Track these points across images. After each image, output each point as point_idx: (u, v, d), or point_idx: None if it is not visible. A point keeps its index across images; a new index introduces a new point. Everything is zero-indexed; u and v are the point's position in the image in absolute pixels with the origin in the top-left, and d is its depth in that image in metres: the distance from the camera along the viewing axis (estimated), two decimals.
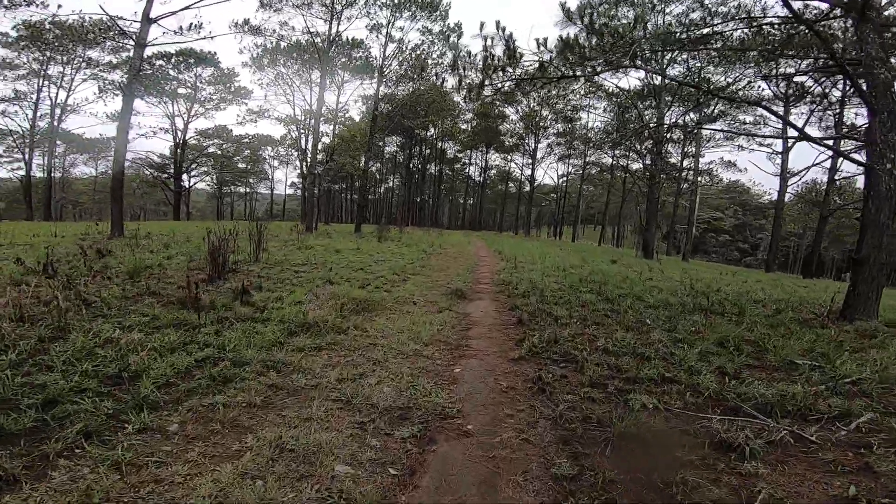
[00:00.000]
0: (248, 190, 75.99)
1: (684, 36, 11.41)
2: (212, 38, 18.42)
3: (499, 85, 7.17)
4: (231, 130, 47.05)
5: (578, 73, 8.43)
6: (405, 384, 3.67)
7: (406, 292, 7.38)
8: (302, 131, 26.69)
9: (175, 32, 18.05)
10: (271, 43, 23.45)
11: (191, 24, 18.64)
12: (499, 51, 6.82)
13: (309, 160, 20.00)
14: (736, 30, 16.87)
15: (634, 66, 9.07)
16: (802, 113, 28.11)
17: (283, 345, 4.38)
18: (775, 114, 9.46)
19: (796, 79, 25.45)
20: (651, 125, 22.79)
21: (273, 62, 30.64)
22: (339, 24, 20.65)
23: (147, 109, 38.35)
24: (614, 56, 9.02)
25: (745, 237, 77.12)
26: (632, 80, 52.16)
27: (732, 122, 31.41)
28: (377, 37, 22.19)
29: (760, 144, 29.80)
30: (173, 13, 15.86)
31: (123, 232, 14.43)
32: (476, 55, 7.47)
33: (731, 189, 66.38)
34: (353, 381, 3.68)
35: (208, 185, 66.78)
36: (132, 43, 16.14)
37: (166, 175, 40.69)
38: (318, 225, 22.97)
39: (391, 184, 70.64)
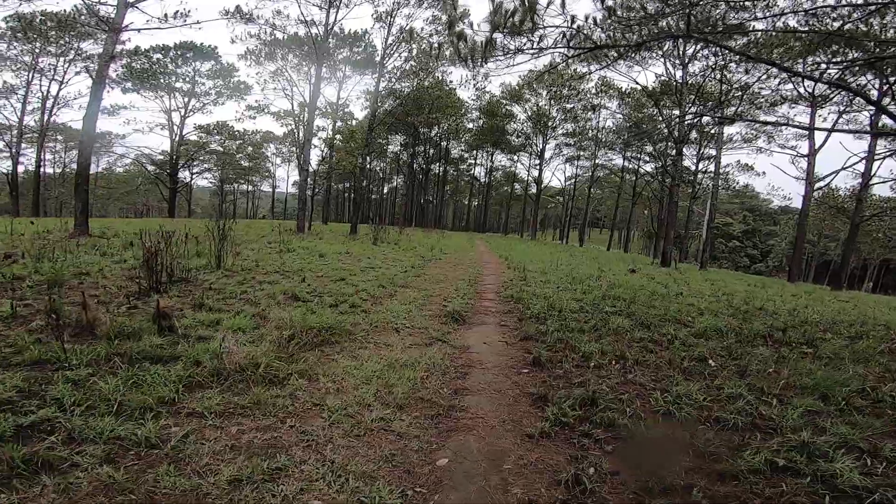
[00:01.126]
0: (250, 188, 74.89)
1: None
2: (199, 26, 16.98)
3: (513, 47, 5.56)
4: (232, 127, 45.68)
5: (612, 47, 6.82)
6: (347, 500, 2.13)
7: (389, 314, 5.83)
8: (301, 126, 25.18)
9: (159, 20, 16.70)
10: (265, 32, 22.04)
11: (176, 11, 17.22)
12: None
13: (302, 156, 18.54)
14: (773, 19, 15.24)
15: (662, 50, 7.50)
16: (830, 113, 26.41)
17: (174, 404, 2.85)
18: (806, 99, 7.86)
19: (826, 76, 23.76)
20: (673, 122, 21.16)
21: (271, 56, 29.29)
22: (337, 12, 19.18)
23: (143, 104, 37.20)
24: (648, 33, 7.49)
25: (754, 243, 75.13)
26: (649, 75, 50.26)
27: (752, 124, 29.74)
28: (381, 27, 20.74)
29: (783, 147, 28.06)
30: None
31: (89, 230, 13.01)
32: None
33: (740, 194, 64.57)
34: (256, 487, 2.14)
35: (210, 182, 65.66)
36: (106, 28, 14.79)
37: (161, 171, 39.42)
38: (311, 225, 21.50)
39: (395, 184, 69.27)
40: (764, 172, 37.91)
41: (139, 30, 24.96)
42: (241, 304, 5.52)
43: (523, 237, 47.99)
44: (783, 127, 28.54)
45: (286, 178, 69.08)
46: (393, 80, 26.48)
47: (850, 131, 26.90)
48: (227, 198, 74.34)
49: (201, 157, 52.88)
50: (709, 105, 21.36)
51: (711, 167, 34.29)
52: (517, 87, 40.03)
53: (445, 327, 5.56)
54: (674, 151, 22.11)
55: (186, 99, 38.19)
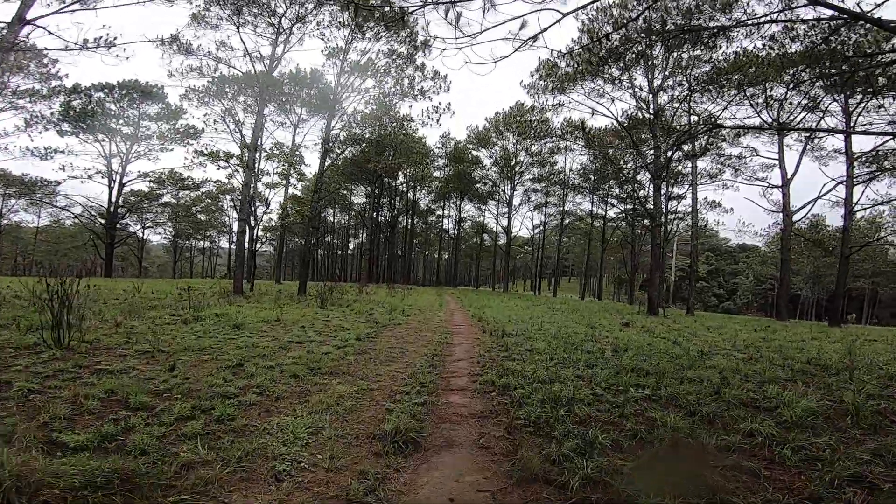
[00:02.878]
0: (207, 244, 70.61)
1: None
2: (125, 54, 14.76)
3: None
4: (182, 175, 42.41)
5: None
6: None
7: (277, 438, 3.29)
8: (241, 169, 22.81)
9: (80, 47, 14.53)
10: (208, 67, 20.00)
11: (99, 37, 15.07)
12: None
13: (240, 205, 16.09)
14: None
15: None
16: (795, 141, 26.27)
17: None
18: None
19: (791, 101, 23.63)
20: (648, 156, 20.09)
21: (219, 94, 27.34)
22: (286, 45, 17.53)
23: (81, 148, 33.87)
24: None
25: (719, 282, 76.01)
26: (615, 110, 51.47)
27: (717, 157, 29.46)
28: (333, 64, 19.20)
29: (751, 179, 27.63)
30: (56, 12, 12.32)
31: None
32: None
33: (701, 234, 65.83)
34: None
35: (163, 237, 61.32)
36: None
37: (93, 222, 35.69)
38: (253, 285, 18.62)
39: (361, 238, 66.97)
40: (732, 209, 37.50)
41: (43, 50, 22.49)
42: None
43: (495, 290, 45.97)
44: (749, 159, 28.29)
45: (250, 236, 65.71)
46: (354, 123, 24.88)
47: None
48: (182, 254, 69.84)
49: (153, 210, 49.20)
50: (681, 136, 20.55)
51: (681, 206, 33.90)
52: (484, 130, 39.52)
53: (378, 464, 3.05)
54: (649, 189, 20.95)
55: (129, 143, 35.32)
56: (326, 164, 31.62)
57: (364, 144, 34.14)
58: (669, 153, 18.24)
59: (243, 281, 16.45)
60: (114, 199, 34.82)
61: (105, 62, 14.90)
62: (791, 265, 55.50)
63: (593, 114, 22.41)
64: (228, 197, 53.50)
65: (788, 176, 23.65)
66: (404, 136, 31.38)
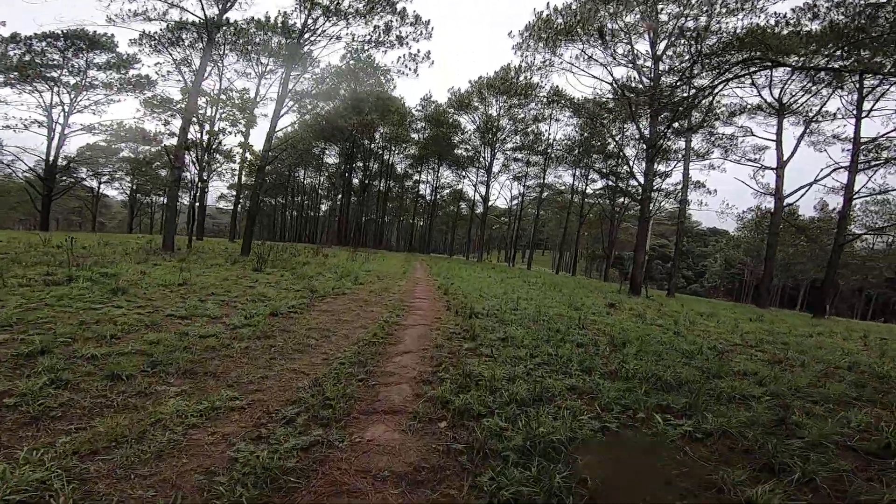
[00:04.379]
0: (194, 202, 66.11)
1: None
2: None
3: None
4: (141, 128, 38.40)
5: None
6: None
7: None
8: (177, 115, 19.57)
9: None
10: (154, 10, 16.61)
11: None
12: None
13: (175, 153, 13.40)
14: None
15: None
16: (792, 125, 24.95)
17: None
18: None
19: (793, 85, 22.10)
20: (644, 130, 18.20)
21: (175, 41, 23.85)
22: None
23: (16, 98, 29.81)
24: None
25: (688, 264, 76.78)
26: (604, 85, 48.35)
27: (709, 136, 27.95)
28: (302, 5, 16.15)
29: (745, 159, 26.29)
30: None
31: None
32: None
33: (673, 216, 65.70)
34: None
35: (120, 192, 56.96)
36: None
37: (28, 172, 31.87)
38: (192, 242, 16.14)
39: (337, 202, 63.79)
40: (716, 190, 36.32)
41: None
42: None
43: (469, 259, 44.29)
44: (741, 139, 26.91)
45: (207, 190, 61.47)
46: (326, 77, 21.95)
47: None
48: (143, 210, 65.32)
49: (111, 164, 45.04)
50: (684, 102, 18.72)
51: (665, 184, 32.54)
52: (466, 94, 36.72)
53: None
54: (639, 163, 19.21)
55: (73, 94, 31.30)
56: (294, 119, 28.59)
57: (337, 102, 31.10)
58: (668, 123, 16.38)
59: (174, 237, 13.99)
60: (52, 150, 30.91)
61: (26, 0, 11.77)
62: (761, 251, 55.91)
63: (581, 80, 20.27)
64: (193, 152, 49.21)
65: (785, 158, 22.30)
66: (380, 94, 28.41)
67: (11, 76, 28.59)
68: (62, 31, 29.57)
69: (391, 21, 17.01)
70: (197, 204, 29.52)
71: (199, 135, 16.31)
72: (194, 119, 14.29)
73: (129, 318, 4.87)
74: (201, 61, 14.40)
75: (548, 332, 6.22)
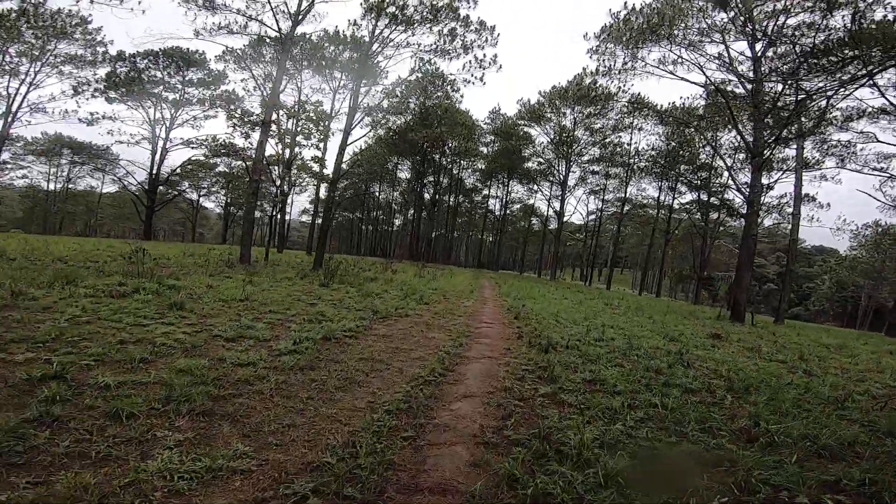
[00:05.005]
0: (258, 213, 71.23)
1: None
2: (141, 9, 12.90)
3: None
4: (227, 142, 41.86)
5: None
6: None
7: None
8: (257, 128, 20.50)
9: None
10: (237, 24, 17.83)
11: None
12: None
13: (252, 166, 13.91)
14: None
15: None
16: None
17: None
18: None
19: None
20: (747, 137, 16.01)
21: (257, 57, 25.55)
22: None
23: (128, 115, 33.59)
24: None
25: (790, 286, 67.97)
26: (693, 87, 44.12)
27: (821, 144, 24.28)
28: (370, 19, 16.41)
29: (871, 168, 22.44)
30: None
31: None
32: None
33: (771, 233, 58.31)
34: None
35: (216, 204, 62.16)
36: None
37: (137, 186, 35.59)
38: (269, 254, 16.63)
39: (408, 216, 64.95)
40: (829, 204, 31.50)
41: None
42: None
43: (541, 277, 42.50)
44: (860, 147, 22.98)
45: (292, 203, 65.19)
46: (397, 92, 22.25)
47: None
48: (236, 222, 71.06)
49: (209, 178, 49.45)
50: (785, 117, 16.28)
51: (767, 198, 28.95)
52: (537, 105, 35.56)
53: None
54: (735, 175, 16.83)
55: (174, 110, 34.75)
56: (367, 133, 29.17)
57: (407, 115, 31.51)
58: (776, 130, 14.18)
59: (250, 249, 14.42)
60: (156, 164, 34.46)
61: (117, 15, 12.86)
62: (883, 273, 47.60)
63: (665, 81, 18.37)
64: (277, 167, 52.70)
65: None
66: (448, 106, 28.27)
67: (121, 91, 32.28)
68: (161, 49, 32.94)
69: (455, 28, 16.62)
70: (277, 217, 31.04)
71: (277, 148, 16.92)
72: (272, 132, 14.75)
73: (171, 338, 4.54)
74: (276, 73, 14.99)
75: (644, 371, 5.06)
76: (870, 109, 21.20)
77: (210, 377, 3.62)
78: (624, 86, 19.09)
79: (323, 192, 38.22)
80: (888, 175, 21.89)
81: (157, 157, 34.34)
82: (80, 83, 31.13)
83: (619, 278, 74.14)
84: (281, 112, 15.93)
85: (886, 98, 20.28)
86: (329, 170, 18.93)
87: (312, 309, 7.20)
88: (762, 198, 29.14)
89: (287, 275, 12.22)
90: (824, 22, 16.20)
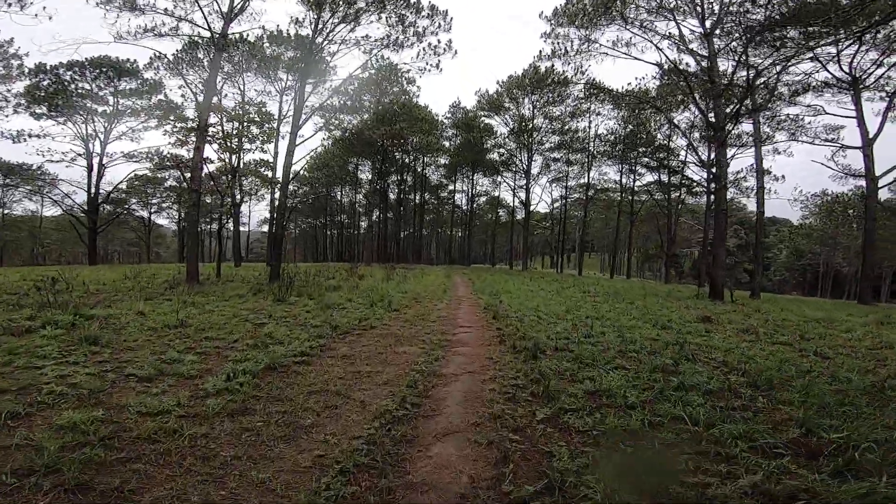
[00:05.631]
0: (214, 227, 67.70)
1: None
2: (46, 13, 11.25)
3: None
4: (178, 155, 39.04)
5: None
6: None
7: None
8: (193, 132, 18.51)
9: None
10: (164, 25, 16.01)
11: None
12: None
13: (190, 175, 12.54)
14: None
15: None
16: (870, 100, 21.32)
17: None
18: None
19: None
20: (707, 112, 15.82)
21: (192, 62, 23.79)
22: None
23: (57, 130, 30.58)
24: None
25: (749, 257, 70.74)
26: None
27: (771, 119, 24.75)
28: (311, 13, 15.13)
29: (822, 140, 23.02)
30: None
31: None
32: None
33: (728, 208, 60.44)
34: None
35: (170, 220, 58.58)
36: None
37: (77, 207, 32.84)
38: (219, 269, 15.24)
39: (375, 217, 63.47)
40: (783, 176, 32.43)
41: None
42: None
43: (512, 268, 42.15)
44: (812, 119, 23.56)
45: (249, 214, 62.26)
46: (350, 89, 21.00)
47: None
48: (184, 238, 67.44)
49: (159, 194, 46.31)
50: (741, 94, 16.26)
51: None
52: (495, 95, 34.97)
53: None
54: (698, 152, 16.62)
55: (108, 123, 32.04)
56: (322, 136, 27.81)
57: (365, 114, 30.24)
58: (735, 104, 14.00)
59: (197, 267, 13.03)
60: (93, 181, 31.66)
61: (17, 22, 11.20)
62: (837, 239, 49.74)
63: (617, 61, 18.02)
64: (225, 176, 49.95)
65: (871, 136, 19.09)
66: (406, 101, 27.20)
67: (45, 106, 29.40)
68: (86, 59, 30.13)
69: (405, 15, 15.63)
70: (227, 229, 29.17)
71: (222, 155, 15.48)
72: (211, 137, 13.40)
73: (66, 383, 3.50)
74: (210, 75, 13.57)
75: (651, 373, 4.35)
76: (814, 83, 21.64)
77: (100, 434, 2.66)
78: (581, 68, 18.51)
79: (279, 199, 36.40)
80: (840, 145, 22.47)
81: (95, 174, 31.58)
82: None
83: (588, 262, 75.08)
84: (221, 116, 14.56)
85: (829, 71, 20.81)
86: (280, 173, 17.57)
87: (260, 331, 6.16)
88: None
89: (238, 291, 11.02)
90: None
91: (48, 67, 29.07)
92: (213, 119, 14.36)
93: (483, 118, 38.76)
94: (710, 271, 14.37)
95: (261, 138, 16.17)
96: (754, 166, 24.93)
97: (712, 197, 32.74)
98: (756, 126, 19.82)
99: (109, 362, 4.36)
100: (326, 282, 14.30)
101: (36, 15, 11.87)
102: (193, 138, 12.63)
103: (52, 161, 31.24)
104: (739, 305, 12.80)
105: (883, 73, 19.55)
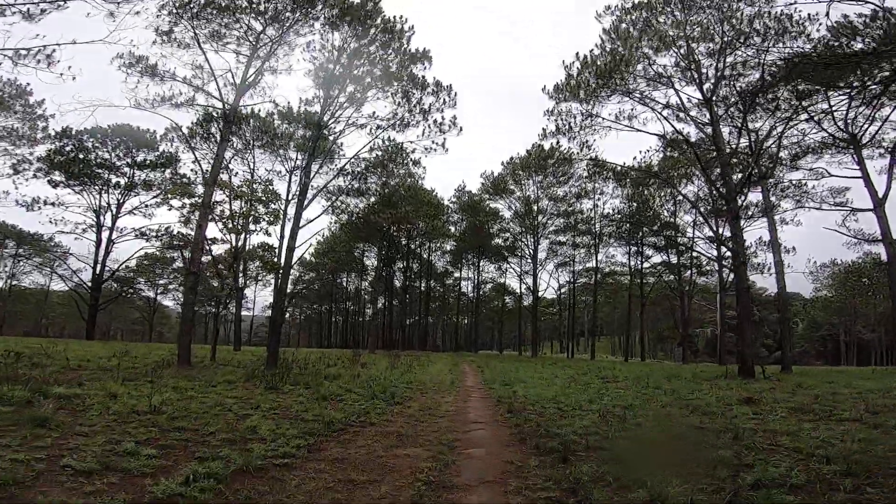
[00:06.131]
0: (220, 310, 66.59)
1: None
2: (71, 74, 11.67)
3: None
4: (187, 234, 38.33)
5: None
6: None
7: None
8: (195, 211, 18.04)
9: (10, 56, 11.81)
10: (181, 94, 16.48)
11: (37, 48, 12.15)
12: None
13: (189, 255, 12.32)
14: None
15: None
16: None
17: None
18: None
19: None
20: (716, 183, 15.86)
21: (206, 136, 24.70)
22: (262, 63, 14.57)
23: (73, 200, 30.37)
24: None
25: (765, 333, 68.24)
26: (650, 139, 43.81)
27: (774, 186, 24.52)
28: (318, 91, 16.00)
29: (830, 204, 22.69)
30: None
31: None
32: None
33: (728, 284, 59.72)
34: None
35: (175, 302, 57.51)
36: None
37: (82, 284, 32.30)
38: (214, 352, 14.43)
39: (379, 304, 62.76)
40: (794, 248, 31.48)
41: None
42: None
43: (521, 354, 40.51)
44: (815, 183, 23.23)
45: (254, 298, 61.34)
46: (357, 171, 21.64)
47: None
48: (198, 320, 66.12)
49: (167, 275, 45.46)
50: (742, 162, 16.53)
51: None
52: (499, 177, 36.00)
53: None
54: (730, 214, 16.05)
55: (120, 195, 31.56)
56: (328, 217, 28.22)
57: (370, 197, 30.97)
58: (748, 172, 14.08)
59: (189, 349, 12.26)
60: (101, 257, 31.18)
61: (41, 79, 11.68)
62: (856, 308, 47.89)
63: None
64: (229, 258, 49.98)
65: (880, 195, 18.72)
66: (412, 184, 27.99)
67: (60, 174, 28.79)
68: (108, 126, 30.02)
69: (411, 91, 16.15)
70: (223, 313, 28.20)
71: (226, 236, 15.33)
72: (216, 216, 13.34)
73: None
74: (218, 147, 13.74)
75: (711, 468, 3.49)
76: (812, 144, 21.60)
77: None
78: (587, 143, 18.58)
79: (287, 285, 36.01)
80: (850, 209, 22.03)
81: (103, 248, 31.14)
82: (18, 161, 27.53)
83: (598, 345, 72.53)
84: (228, 193, 14.67)
85: (826, 130, 20.80)
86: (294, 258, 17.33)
87: (242, 424, 5.34)
88: (726, 251, 29.24)
89: (230, 377, 10.15)
90: (757, 60, 16.72)
91: (73, 132, 29.00)
92: (219, 196, 14.40)
93: (488, 202, 39.66)
94: (736, 349, 13.40)
95: (266, 219, 16.14)
96: (762, 239, 24.52)
97: (725, 274, 32.28)
98: (765, 195, 19.63)
99: (48, 448, 3.65)
100: (327, 369, 13.39)
101: (61, 74, 12.02)
102: (197, 214, 12.52)
103: (63, 232, 30.59)
104: (775, 382, 11.67)
105: (878, 129, 19.32)
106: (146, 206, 31.42)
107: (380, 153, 19.07)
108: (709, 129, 15.61)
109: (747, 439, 4.57)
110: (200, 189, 22.17)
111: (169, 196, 19.44)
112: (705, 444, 4.56)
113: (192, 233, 14.29)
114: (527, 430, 5.45)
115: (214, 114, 14.87)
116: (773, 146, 16.67)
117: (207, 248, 13.43)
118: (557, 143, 18.26)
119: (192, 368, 11.70)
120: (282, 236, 25.32)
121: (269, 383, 8.96)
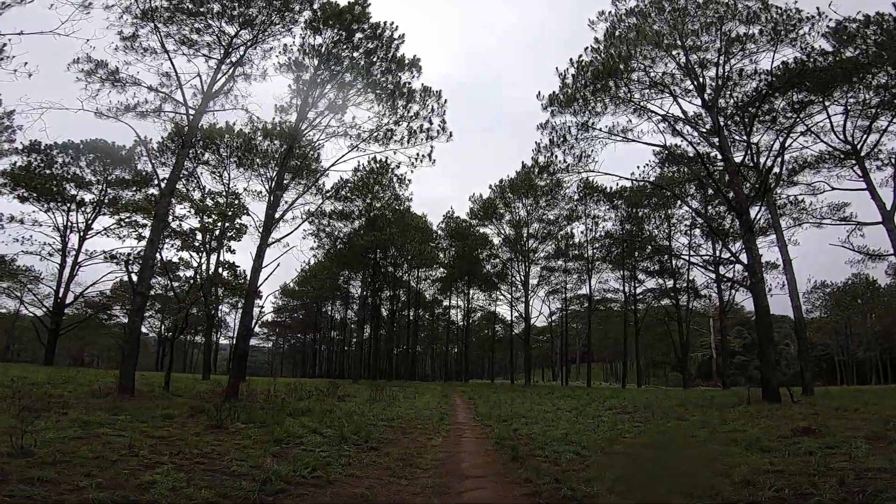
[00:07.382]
0: (200, 339, 63.14)
1: None
2: (26, 72, 10.30)
3: None
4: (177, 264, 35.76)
5: None
6: None
7: None
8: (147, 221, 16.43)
9: None
10: (146, 101, 15.02)
11: None
12: None
13: (139, 272, 10.71)
14: None
15: None
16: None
17: None
18: None
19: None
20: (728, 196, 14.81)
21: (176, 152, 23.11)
22: (232, 69, 13.37)
23: (44, 218, 28.14)
24: None
25: (757, 355, 67.37)
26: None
27: (777, 198, 23.55)
28: (296, 99, 14.79)
29: (834, 219, 21.87)
30: None
31: None
32: None
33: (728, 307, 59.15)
34: None
35: (149, 329, 54.71)
36: None
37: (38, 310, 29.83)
38: (169, 381, 12.61)
39: (365, 334, 60.42)
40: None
41: None
42: None
43: (514, 383, 38.59)
44: (814, 198, 22.42)
45: (234, 326, 58.47)
46: (342, 193, 20.41)
47: None
48: (178, 347, 62.62)
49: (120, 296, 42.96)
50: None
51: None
52: (489, 200, 34.86)
53: None
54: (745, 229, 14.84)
55: (90, 215, 28.96)
56: (306, 241, 26.70)
57: (353, 220, 29.60)
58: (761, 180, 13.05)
59: (133, 377, 10.51)
60: (64, 279, 28.64)
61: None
62: (851, 328, 47.11)
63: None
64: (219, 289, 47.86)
65: (888, 207, 17.84)
66: (397, 206, 26.70)
67: (29, 189, 26.78)
68: (82, 141, 28.45)
69: (396, 101, 15.02)
70: (178, 338, 25.81)
71: (186, 255, 13.76)
72: (171, 233, 11.83)
73: None
74: (177, 156, 12.26)
75: None
76: (810, 158, 20.84)
77: None
78: (583, 152, 17.28)
79: (268, 312, 33.71)
80: (856, 223, 21.21)
81: (67, 271, 28.78)
82: None
83: (592, 372, 70.46)
84: (186, 207, 13.23)
85: (824, 141, 20.06)
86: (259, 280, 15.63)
87: (141, 476, 3.76)
88: (726, 272, 28.25)
89: (172, 410, 8.42)
90: (753, 67, 16.00)
91: (42, 146, 27.01)
92: (180, 211, 12.91)
93: (477, 227, 38.44)
94: (763, 373, 12.06)
95: (230, 234, 14.57)
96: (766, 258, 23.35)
97: (727, 295, 31.22)
98: (773, 209, 18.63)
99: None
100: (297, 403, 11.62)
101: (15, 70, 10.68)
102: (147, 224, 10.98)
103: (28, 252, 28.15)
104: (809, 406, 10.31)
105: (878, 140, 18.44)
106: (120, 225, 28.89)
107: (365, 173, 17.94)
108: (714, 139, 14.64)
109: (854, 484, 3.16)
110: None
111: (131, 214, 17.78)
112: (796, 496, 3.13)
113: (178, 257, 12.71)
114: (544, 489, 3.94)
115: (181, 122, 13.48)
116: (776, 158, 15.80)
117: (159, 266, 11.82)
118: (552, 155, 16.93)
119: (132, 399, 9.96)
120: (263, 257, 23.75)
121: (215, 420, 7.31)
